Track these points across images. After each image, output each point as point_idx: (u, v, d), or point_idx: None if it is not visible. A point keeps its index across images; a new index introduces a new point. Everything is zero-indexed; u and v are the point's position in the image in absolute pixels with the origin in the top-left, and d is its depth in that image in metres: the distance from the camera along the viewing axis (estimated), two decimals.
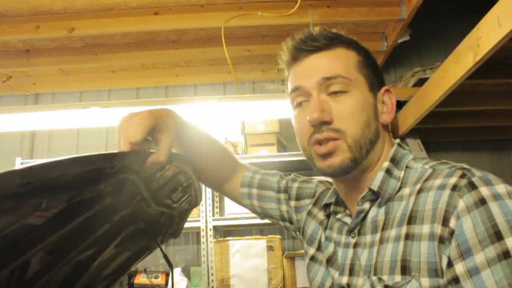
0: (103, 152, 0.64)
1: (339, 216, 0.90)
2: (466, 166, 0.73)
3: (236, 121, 3.03)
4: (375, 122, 0.83)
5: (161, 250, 1.00)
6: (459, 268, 0.64)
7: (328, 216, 0.95)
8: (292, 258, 2.76)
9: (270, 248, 2.76)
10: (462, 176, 0.69)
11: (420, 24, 2.84)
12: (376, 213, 0.81)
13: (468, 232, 0.64)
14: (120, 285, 2.71)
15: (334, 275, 0.87)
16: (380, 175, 0.81)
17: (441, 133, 3.10)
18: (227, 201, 2.97)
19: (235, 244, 2.77)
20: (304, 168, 2.64)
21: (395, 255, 0.73)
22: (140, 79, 3.30)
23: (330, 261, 0.89)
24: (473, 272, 0.62)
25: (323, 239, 0.93)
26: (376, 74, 0.87)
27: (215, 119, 2.81)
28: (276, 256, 2.75)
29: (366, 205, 0.82)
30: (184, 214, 1.08)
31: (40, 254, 0.70)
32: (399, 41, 2.80)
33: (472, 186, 0.67)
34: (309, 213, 1.01)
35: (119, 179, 0.74)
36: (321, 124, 0.80)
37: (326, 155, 0.81)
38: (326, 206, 0.95)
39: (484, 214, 0.64)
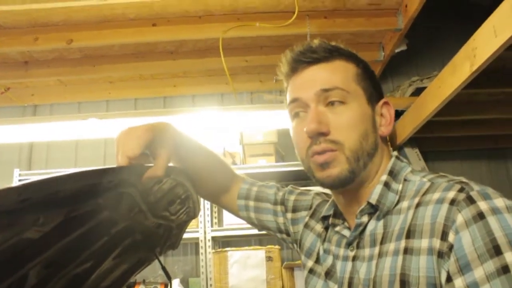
0: (101, 164, 0.64)
1: (337, 228, 0.90)
2: (464, 179, 0.73)
3: (235, 131, 3.04)
4: (373, 134, 0.83)
5: (159, 262, 1.00)
6: (458, 283, 0.63)
7: (326, 228, 0.95)
8: (291, 269, 2.75)
9: (269, 258, 2.75)
10: (461, 190, 0.69)
11: (417, 34, 2.86)
12: (374, 226, 0.80)
13: (467, 246, 0.63)
14: None
15: None
16: (378, 188, 0.81)
17: (438, 142, 3.11)
18: (225, 211, 2.95)
19: (234, 255, 2.76)
20: (302, 178, 2.65)
21: (394, 269, 0.72)
22: (138, 89, 3.31)
23: (328, 274, 0.88)
24: (472, 287, 0.62)
25: (321, 252, 0.93)
26: (374, 86, 0.87)
27: (213, 130, 2.81)
28: (275, 266, 2.74)
29: (365, 218, 0.82)
30: (182, 226, 1.07)
31: (37, 268, 0.69)
32: (396, 50, 2.81)
33: (471, 201, 0.66)
34: (306, 225, 1.01)
35: (117, 193, 0.74)
36: (318, 135, 0.80)
37: (324, 165, 0.80)
38: (324, 218, 0.95)
39: (483, 229, 0.63)
